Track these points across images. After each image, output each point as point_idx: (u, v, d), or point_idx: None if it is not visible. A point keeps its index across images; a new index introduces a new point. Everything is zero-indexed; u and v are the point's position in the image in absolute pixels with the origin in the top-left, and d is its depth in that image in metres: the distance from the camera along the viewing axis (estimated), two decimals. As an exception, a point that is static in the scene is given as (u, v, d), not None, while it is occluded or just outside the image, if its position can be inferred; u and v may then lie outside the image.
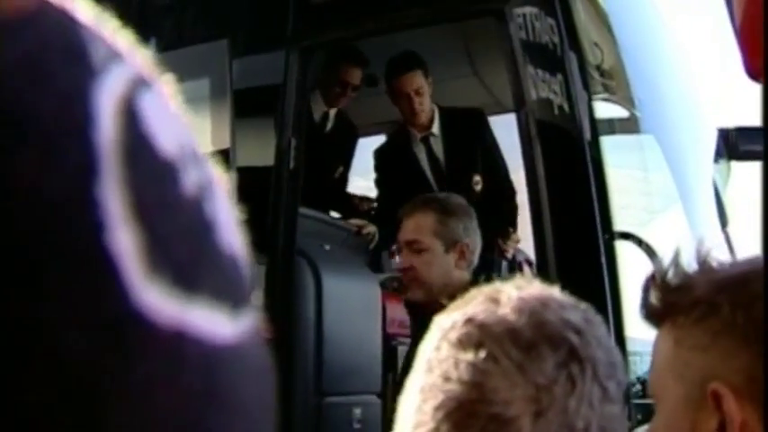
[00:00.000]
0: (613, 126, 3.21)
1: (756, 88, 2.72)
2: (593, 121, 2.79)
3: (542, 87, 2.79)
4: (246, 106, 3.15)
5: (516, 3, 2.81)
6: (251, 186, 3.06)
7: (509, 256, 3.79)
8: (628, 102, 3.17)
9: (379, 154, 4.04)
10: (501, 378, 0.87)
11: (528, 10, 2.83)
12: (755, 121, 3.45)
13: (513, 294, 0.92)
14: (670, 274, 1.09)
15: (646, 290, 1.13)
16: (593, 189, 2.65)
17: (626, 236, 2.77)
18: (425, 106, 3.75)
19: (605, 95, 3.10)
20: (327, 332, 3.05)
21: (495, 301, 0.95)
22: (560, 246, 2.62)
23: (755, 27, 2.31)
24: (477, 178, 3.72)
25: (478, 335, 0.89)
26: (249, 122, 3.21)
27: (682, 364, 1.07)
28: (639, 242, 2.85)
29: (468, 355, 0.89)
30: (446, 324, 0.96)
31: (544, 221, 2.65)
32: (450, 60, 4.02)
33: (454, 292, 2.27)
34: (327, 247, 3.30)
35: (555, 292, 0.96)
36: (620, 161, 3.36)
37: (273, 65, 3.14)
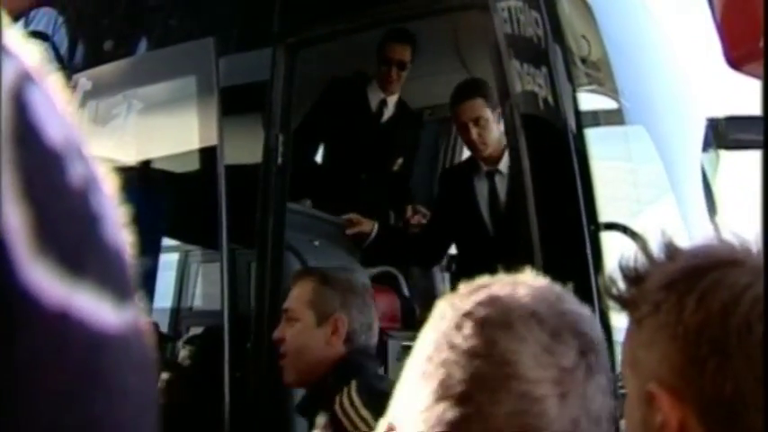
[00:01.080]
0: (602, 118, 3.22)
1: (741, 77, 2.73)
2: (577, 113, 2.80)
3: (527, 80, 2.80)
4: (233, 104, 3.16)
5: (501, -4, 2.82)
6: (239, 183, 3.07)
7: None
8: (615, 93, 3.18)
9: (443, 175, 4.03)
10: (530, 358, 0.91)
11: (512, 3, 2.83)
12: (744, 110, 3.46)
13: (530, 284, 0.97)
14: (632, 264, 1.10)
15: (611, 282, 1.13)
16: (579, 181, 2.66)
17: (612, 227, 2.78)
18: (488, 138, 3.57)
19: (593, 87, 3.11)
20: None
21: (513, 287, 0.98)
22: (546, 238, 2.63)
23: (734, 17, 2.32)
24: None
25: (506, 316, 0.93)
26: (236, 120, 3.21)
27: (633, 360, 1.09)
28: (626, 233, 2.86)
29: (498, 334, 0.93)
30: (465, 305, 0.98)
31: (529, 214, 2.65)
32: (437, 54, 4.03)
33: (327, 369, 2.24)
34: (317, 243, 3.31)
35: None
36: (610, 152, 3.37)
37: (260, 62, 3.15)
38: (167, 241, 3.52)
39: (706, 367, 1.02)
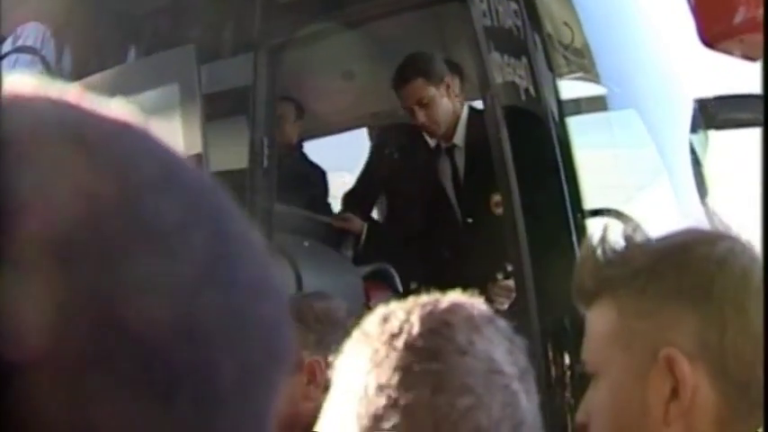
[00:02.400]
0: (588, 104, 3.21)
1: (724, 58, 2.72)
2: (559, 101, 2.80)
3: (508, 71, 2.80)
4: (217, 109, 3.16)
5: (479, -12, 2.82)
6: (227, 186, 3.08)
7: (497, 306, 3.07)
8: (599, 79, 3.18)
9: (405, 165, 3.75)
10: (502, 356, 0.96)
11: (490, -6, 2.83)
12: (731, 89, 3.45)
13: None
14: (599, 251, 1.11)
15: (579, 269, 1.14)
16: (562, 169, 2.66)
17: (599, 213, 2.78)
18: (438, 116, 3.41)
19: (578, 74, 3.11)
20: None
21: (458, 300, 1.03)
22: (532, 229, 2.63)
23: (707, -3, 2.31)
24: (498, 199, 3.17)
25: (473, 320, 0.98)
26: (220, 125, 3.22)
27: (628, 334, 1.09)
28: (614, 218, 2.85)
29: (473, 336, 0.99)
30: (431, 313, 1.00)
31: (514, 205, 2.65)
32: (423, 48, 4.02)
33: (306, 426, 1.64)
34: (307, 243, 3.32)
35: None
36: (598, 139, 3.36)
37: (242, 66, 3.15)
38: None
39: (727, 330, 1.04)
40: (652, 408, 1.05)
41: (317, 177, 4.06)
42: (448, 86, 3.43)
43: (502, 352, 0.99)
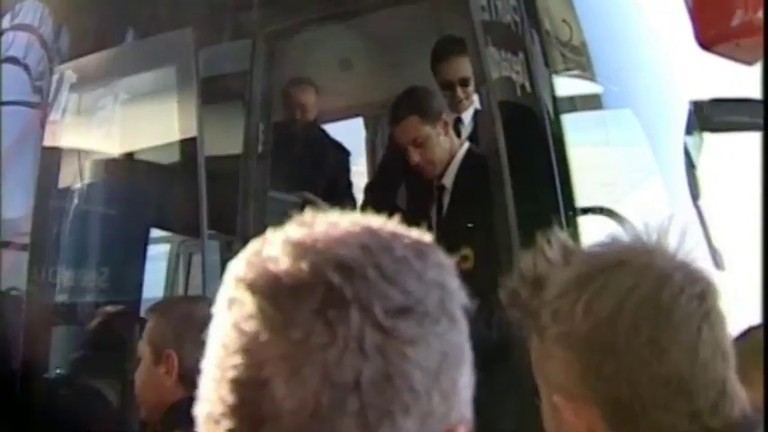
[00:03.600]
0: (583, 102, 3.22)
1: (722, 61, 2.73)
2: (554, 98, 2.81)
3: (504, 66, 2.80)
4: (213, 93, 3.17)
5: (478, -18, 2.82)
6: (220, 172, 3.09)
7: None
8: (595, 77, 3.18)
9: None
10: (255, 339, 0.73)
11: (489, -11, 2.83)
12: (727, 92, 3.46)
13: (295, 236, 0.75)
14: (533, 269, 1.12)
15: (512, 291, 1.14)
16: (555, 167, 2.66)
17: (589, 211, 2.79)
18: (433, 157, 3.23)
19: (575, 72, 3.11)
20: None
21: (269, 246, 0.77)
22: (523, 225, 2.64)
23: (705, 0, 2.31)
24: (467, 253, 2.97)
25: (249, 294, 0.74)
26: (216, 109, 3.23)
27: (540, 371, 1.13)
28: (605, 216, 2.87)
29: (237, 318, 0.75)
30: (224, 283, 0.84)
31: (507, 200, 2.66)
32: (419, 40, 4.02)
33: (161, 414, 2.08)
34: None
35: (362, 223, 0.77)
36: (594, 137, 3.37)
37: (239, 51, 3.16)
38: (150, 231, 3.54)
39: (602, 372, 1.06)
40: None
41: (340, 157, 4.00)
42: (445, 124, 3.26)
43: None
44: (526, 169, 2.71)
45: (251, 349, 0.71)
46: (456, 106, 3.54)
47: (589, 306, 1.06)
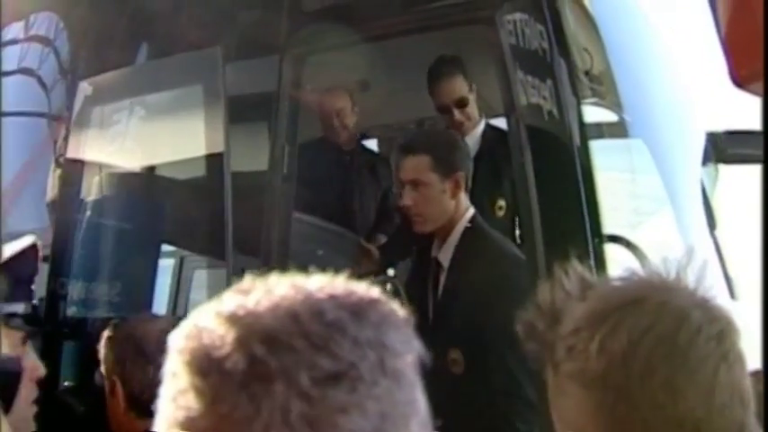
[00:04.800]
0: (602, 130, 3.24)
1: (742, 94, 2.77)
2: (582, 126, 2.82)
3: (532, 93, 2.82)
4: (240, 112, 3.18)
5: (507, 9, 2.85)
6: (245, 190, 3.10)
7: None
8: (616, 106, 3.21)
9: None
10: (188, 413, 0.73)
11: (518, 16, 2.86)
12: (743, 124, 3.50)
13: (228, 307, 0.75)
14: (550, 301, 1.12)
15: (529, 324, 1.13)
16: (583, 193, 2.68)
17: (616, 239, 2.80)
18: (425, 208, 2.90)
19: (594, 100, 3.14)
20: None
21: (205, 316, 0.79)
22: (550, 250, 2.66)
23: (740, 36, 2.35)
24: (454, 357, 2.75)
25: (183, 367, 0.75)
26: (243, 128, 3.24)
27: (555, 406, 1.11)
28: (629, 245, 2.89)
29: (174, 392, 0.75)
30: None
31: (534, 226, 2.68)
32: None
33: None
34: (320, 252, 3.34)
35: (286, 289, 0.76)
36: (609, 164, 3.40)
37: (267, 72, 3.17)
38: (174, 248, 3.54)
39: (615, 413, 1.03)
40: None
41: (384, 168, 3.81)
42: (456, 184, 2.89)
43: None
44: (554, 195, 2.73)
45: (184, 422, 0.72)
46: (457, 129, 3.44)
47: (603, 345, 1.04)
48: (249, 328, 0.71)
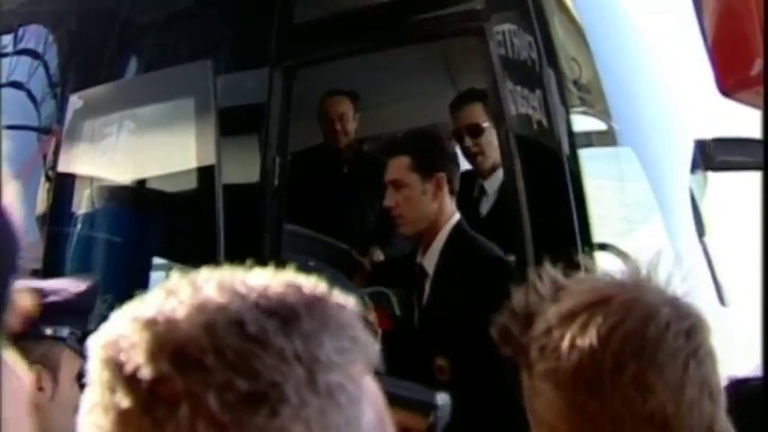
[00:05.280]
0: (591, 139, 3.26)
1: (730, 102, 2.79)
2: (571, 135, 2.84)
3: (521, 103, 2.84)
4: (231, 124, 3.19)
5: (496, 21, 2.86)
6: (236, 203, 3.10)
7: None
8: (605, 115, 3.23)
9: None
10: (99, 429, 0.67)
11: (507, 27, 2.87)
12: (732, 132, 3.52)
13: (146, 311, 0.68)
14: (524, 304, 1.13)
15: (504, 327, 1.14)
16: (573, 202, 2.69)
17: (605, 247, 2.82)
18: (406, 210, 2.91)
19: (583, 109, 3.16)
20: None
21: (121, 321, 0.72)
22: (540, 258, 2.66)
23: (726, 46, 2.37)
24: (441, 364, 2.74)
25: (96, 380, 0.69)
26: (234, 140, 3.24)
27: (530, 408, 1.13)
28: (618, 254, 2.90)
29: (88, 406, 0.70)
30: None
31: (525, 235, 2.69)
32: (430, 76, 4.07)
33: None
34: (312, 263, 3.34)
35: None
36: (598, 172, 3.42)
37: (257, 84, 3.18)
38: (165, 261, 3.54)
39: (586, 411, 1.04)
40: None
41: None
42: (438, 185, 2.90)
43: None
44: (544, 204, 2.74)
45: None
46: (472, 161, 3.40)
47: (573, 343, 1.05)
48: (160, 340, 0.64)
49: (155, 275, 3.62)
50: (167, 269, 3.72)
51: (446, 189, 2.91)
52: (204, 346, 0.63)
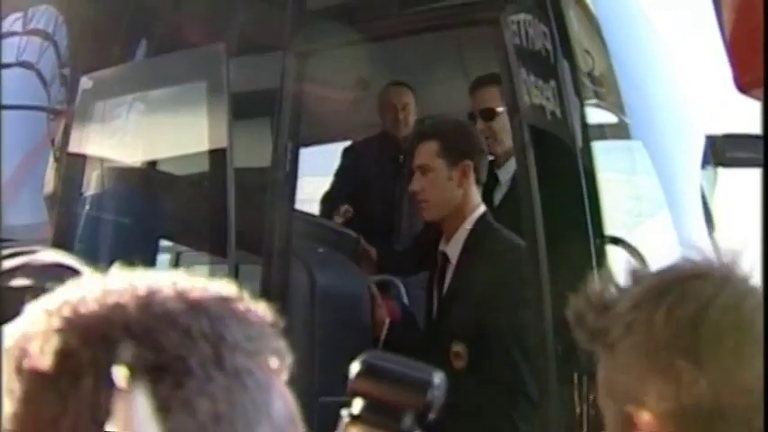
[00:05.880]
0: (603, 131, 3.25)
1: (743, 98, 2.79)
2: (584, 126, 2.83)
3: (535, 94, 2.83)
4: (243, 109, 3.18)
5: (511, 10, 2.85)
6: (248, 187, 3.10)
7: None
8: (617, 108, 3.22)
9: None
10: (11, 413, 0.68)
11: (522, 17, 2.86)
12: (743, 128, 3.51)
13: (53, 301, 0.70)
14: (600, 294, 1.13)
15: (578, 314, 1.14)
16: (585, 194, 2.69)
17: (617, 240, 2.81)
18: (431, 195, 2.95)
19: (595, 101, 3.15)
20: (320, 333, 3.09)
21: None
22: (552, 249, 2.67)
23: (744, 43, 2.36)
24: (458, 350, 2.78)
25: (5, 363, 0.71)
26: (246, 124, 3.24)
27: (609, 384, 1.12)
28: (629, 247, 2.90)
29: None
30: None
31: (537, 225, 2.69)
32: (442, 65, 4.06)
33: None
34: (321, 250, 3.34)
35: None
36: (608, 165, 3.41)
37: (270, 69, 3.17)
38: (175, 244, 3.54)
39: (681, 380, 1.04)
40: None
41: None
42: (464, 172, 2.93)
43: None
44: (556, 195, 2.74)
45: (9, 420, 0.65)
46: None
47: (670, 313, 1.05)
48: (69, 322, 0.65)
49: (162, 258, 3.62)
50: (175, 252, 3.72)
51: (472, 177, 2.94)
52: (113, 322, 0.64)
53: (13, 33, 4.35)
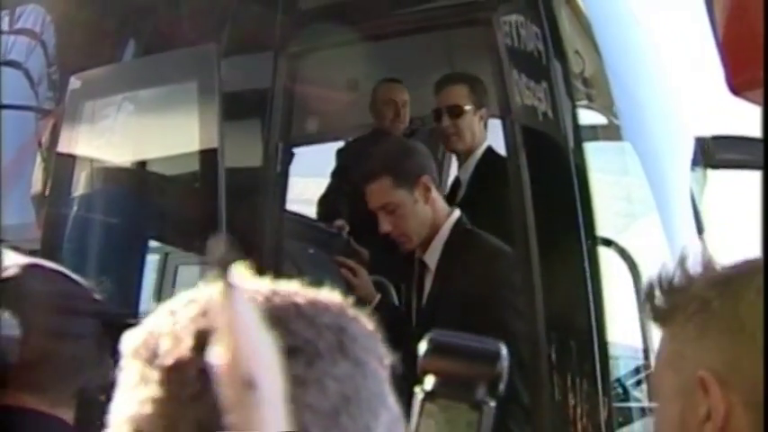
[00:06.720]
0: (594, 132, 3.26)
1: (735, 100, 2.79)
2: (576, 128, 2.84)
3: (527, 94, 2.84)
4: (234, 109, 3.17)
5: (503, 11, 2.86)
6: (238, 187, 3.09)
7: None
8: (608, 109, 3.23)
9: None
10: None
11: (514, 18, 2.87)
12: (733, 129, 3.52)
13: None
14: (676, 277, 1.17)
15: (650, 293, 1.19)
16: (577, 195, 2.70)
17: (608, 242, 2.82)
18: (406, 227, 2.86)
19: (586, 103, 3.16)
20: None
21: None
22: (544, 250, 2.67)
23: (738, 44, 2.36)
24: None
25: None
26: (237, 125, 3.23)
27: (677, 357, 1.15)
28: (620, 248, 2.91)
29: None
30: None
31: (528, 227, 2.69)
32: (432, 66, 4.06)
33: None
34: (311, 251, 3.33)
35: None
36: (598, 167, 3.42)
37: (261, 69, 3.16)
38: (165, 244, 3.53)
39: (759, 360, 1.06)
40: (689, 427, 1.11)
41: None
42: (426, 189, 2.84)
43: None
44: (548, 197, 2.74)
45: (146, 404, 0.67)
46: (445, 141, 3.42)
47: (760, 292, 1.08)
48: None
49: (151, 259, 3.61)
50: (164, 253, 3.71)
51: (433, 188, 2.88)
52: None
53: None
